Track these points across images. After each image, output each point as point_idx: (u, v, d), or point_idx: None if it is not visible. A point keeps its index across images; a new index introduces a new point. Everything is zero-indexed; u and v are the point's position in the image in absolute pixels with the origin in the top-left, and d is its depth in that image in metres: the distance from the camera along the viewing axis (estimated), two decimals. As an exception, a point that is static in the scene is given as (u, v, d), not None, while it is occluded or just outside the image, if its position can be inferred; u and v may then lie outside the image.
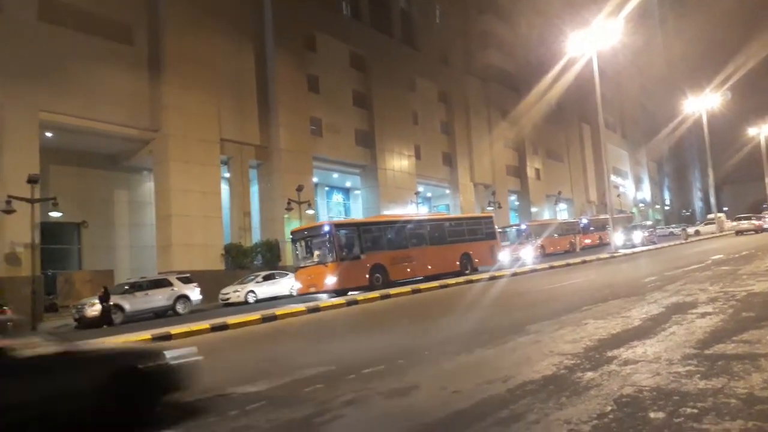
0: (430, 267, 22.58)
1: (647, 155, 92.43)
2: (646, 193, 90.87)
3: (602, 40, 30.56)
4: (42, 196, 22.04)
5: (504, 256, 30.55)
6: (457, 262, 23.77)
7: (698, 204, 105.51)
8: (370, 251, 20.71)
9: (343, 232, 20.44)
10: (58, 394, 5.00)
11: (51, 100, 24.34)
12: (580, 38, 31.12)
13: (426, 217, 26.12)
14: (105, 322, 19.24)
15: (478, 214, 34.02)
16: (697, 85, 58.91)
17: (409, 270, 21.92)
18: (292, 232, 21.97)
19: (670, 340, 6.73)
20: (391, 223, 22.86)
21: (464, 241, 24.96)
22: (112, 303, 19.53)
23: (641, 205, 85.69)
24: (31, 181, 20.23)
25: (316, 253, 20.06)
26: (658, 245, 34.84)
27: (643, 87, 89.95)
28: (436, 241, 23.71)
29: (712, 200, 57.10)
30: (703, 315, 8.17)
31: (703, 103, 52.42)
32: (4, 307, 18.33)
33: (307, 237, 20.83)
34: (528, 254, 32.79)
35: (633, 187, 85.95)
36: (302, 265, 20.58)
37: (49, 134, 25.64)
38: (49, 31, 24.76)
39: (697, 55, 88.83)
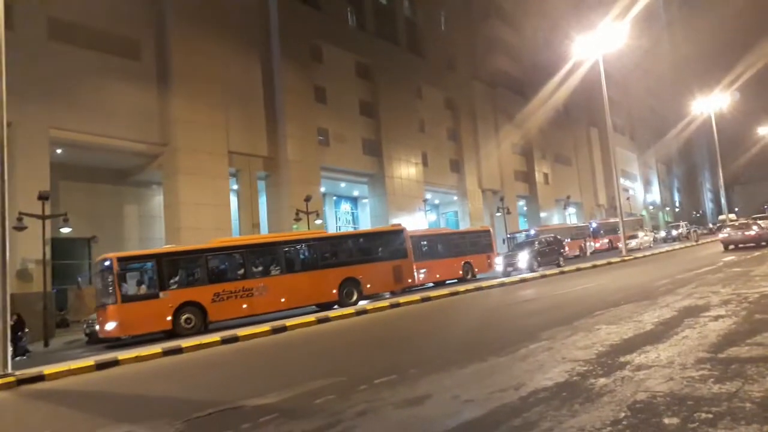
0: (284, 300, 18.56)
1: (656, 157, 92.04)
2: (655, 195, 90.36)
3: (609, 43, 30.57)
4: (52, 212, 22.20)
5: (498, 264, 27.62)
6: (335, 290, 19.71)
7: (708, 205, 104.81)
8: (177, 287, 16.96)
9: (129, 266, 16.82)
10: None
11: (61, 117, 24.62)
12: (587, 41, 31.15)
13: (281, 239, 20.76)
14: (17, 354, 16.28)
15: (380, 228, 28.40)
16: (706, 85, 58.89)
17: (245, 306, 17.80)
18: (96, 264, 18.20)
19: (683, 344, 6.68)
20: (213, 251, 18.44)
21: (350, 263, 20.60)
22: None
23: (651, 207, 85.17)
24: (42, 197, 20.39)
25: (102, 291, 16.98)
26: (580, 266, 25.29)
27: (651, 89, 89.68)
28: (300, 266, 19.67)
29: (723, 201, 56.84)
30: (716, 318, 8.11)
31: (711, 104, 52.31)
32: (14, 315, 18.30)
33: (99, 272, 17.25)
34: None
35: (642, 190, 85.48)
36: (97, 304, 17.60)
37: (59, 151, 25.92)
38: (58, 50, 25.05)
39: (705, 55, 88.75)
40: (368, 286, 20.67)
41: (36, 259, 22.10)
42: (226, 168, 31.01)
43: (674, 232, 47.64)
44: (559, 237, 31.76)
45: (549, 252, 27.80)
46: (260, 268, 18.79)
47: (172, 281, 17.04)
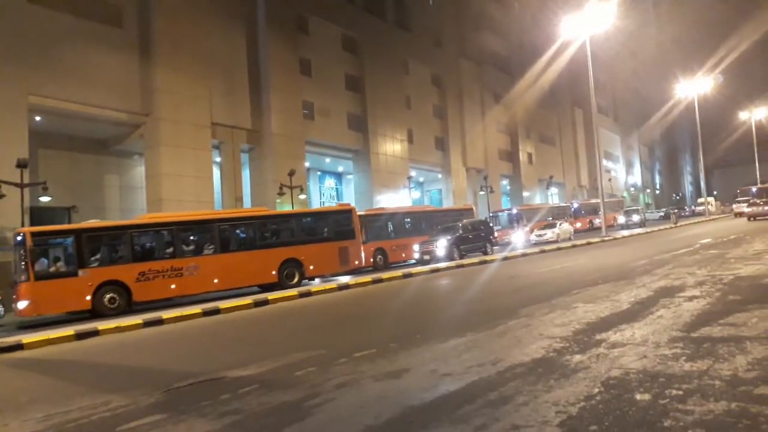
0: (217, 281, 17.66)
1: (639, 139, 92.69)
2: (637, 177, 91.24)
3: (595, 24, 30.51)
4: (31, 180, 21.86)
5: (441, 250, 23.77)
6: (274, 272, 18.73)
7: (688, 188, 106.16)
8: (98, 265, 16.08)
9: (45, 242, 16.00)
10: None
11: (40, 84, 24.06)
12: (574, 22, 31.07)
13: (215, 217, 19.74)
14: None
15: (327, 207, 27.01)
16: (690, 68, 59.10)
17: (174, 287, 16.99)
18: (12, 238, 17.40)
19: (657, 323, 6.82)
20: (139, 227, 17.57)
21: (292, 243, 19.56)
22: None
23: (632, 189, 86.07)
24: (21, 165, 20.05)
25: (16, 268, 16.01)
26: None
27: (636, 71, 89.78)
28: (236, 245, 18.88)
29: (702, 184, 57.54)
30: (691, 298, 8.28)
31: (695, 87, 52.66)
32: None
33: (14, 247, 16.32)
34: (519, 239, 32.94)
35: (624, 172, 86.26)
36: (12, 280, 16.57)
37: (38, 118, 25.39)
38: (38, 14, 24.40)
39: (690, 38, 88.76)
40: (311, 267, 19.74)
41: (14, 227, 21.74)
42: (209, 140, 30.66)
43: (635, 218, 45.91)
44: (490, 223, 30.26)
45: (474, 238, 25.30)
46: (192, 247, 17.97)
47: (93, 258, 16.17)
